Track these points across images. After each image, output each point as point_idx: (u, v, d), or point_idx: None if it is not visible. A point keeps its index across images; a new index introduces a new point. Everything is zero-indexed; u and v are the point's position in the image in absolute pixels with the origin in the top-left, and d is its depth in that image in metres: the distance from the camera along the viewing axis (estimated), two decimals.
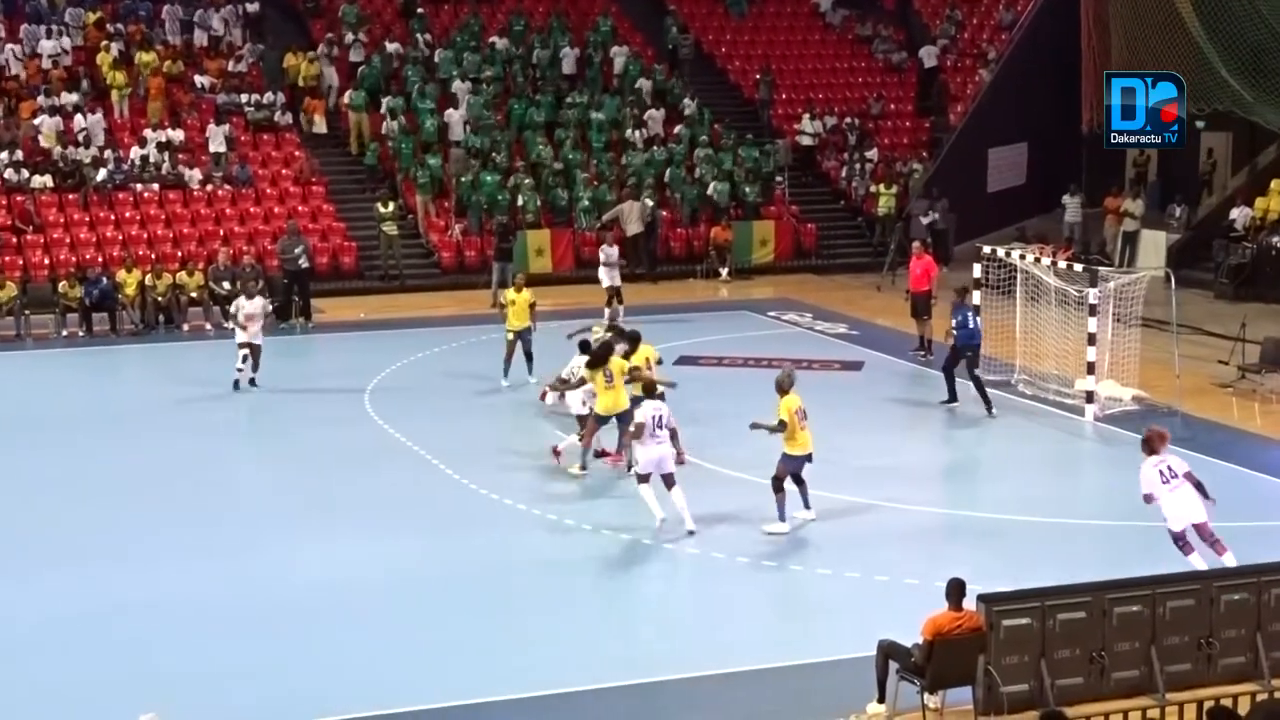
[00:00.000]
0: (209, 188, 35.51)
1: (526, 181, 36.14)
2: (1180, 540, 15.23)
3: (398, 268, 34.98)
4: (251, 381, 25.00)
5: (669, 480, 17.70)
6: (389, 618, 15.44)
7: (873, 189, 38.53)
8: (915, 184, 38.50)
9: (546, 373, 23.80)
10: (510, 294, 25.01)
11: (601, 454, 20.56)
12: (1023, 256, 25.02)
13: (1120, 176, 38.62)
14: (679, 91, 40.70)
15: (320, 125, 38.38)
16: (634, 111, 39.32)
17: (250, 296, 25.65)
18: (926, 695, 12.49)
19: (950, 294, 24.16)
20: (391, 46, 39.95)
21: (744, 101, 42.54)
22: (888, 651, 12.62)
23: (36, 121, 35.64)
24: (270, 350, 25.58)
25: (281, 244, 31.92)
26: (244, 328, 24.83)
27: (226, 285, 30.82)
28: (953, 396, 23.45)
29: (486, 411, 24.19)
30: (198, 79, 38.35)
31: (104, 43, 37.95)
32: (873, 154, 40.07)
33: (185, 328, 30.28)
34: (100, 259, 32.32)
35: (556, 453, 20.59)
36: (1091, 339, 22.71)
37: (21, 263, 32.45)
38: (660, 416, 17.71)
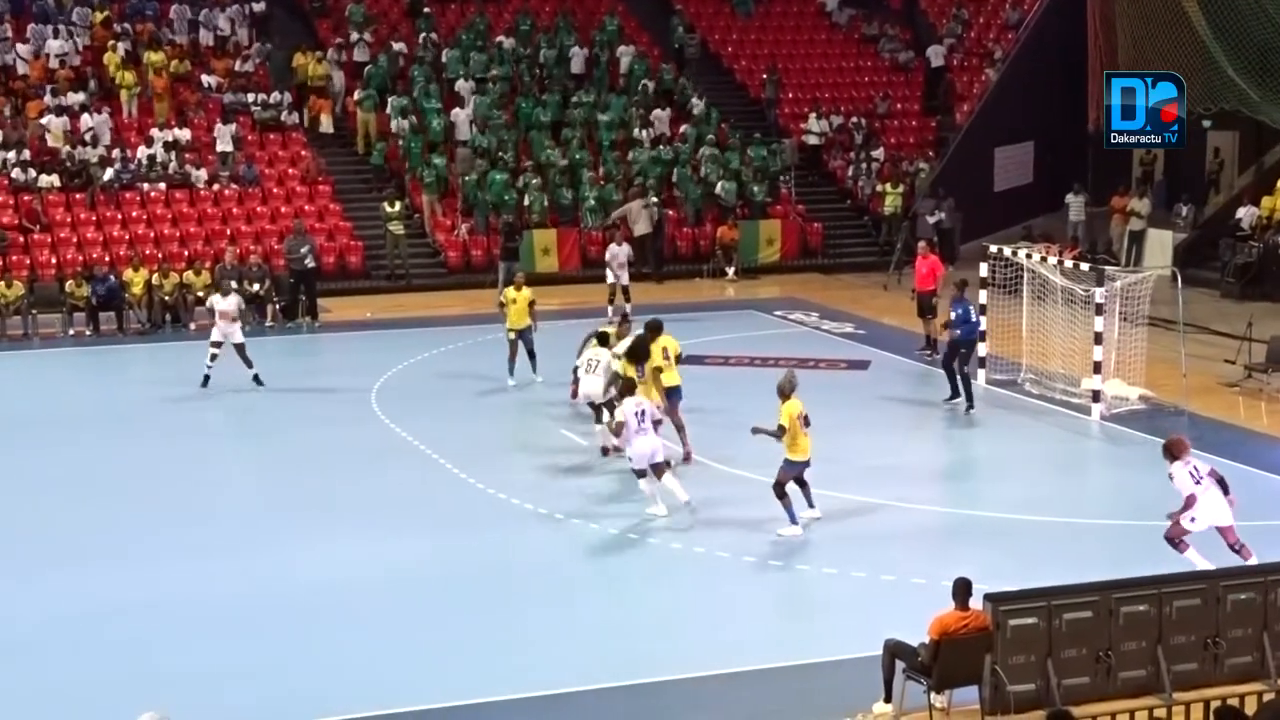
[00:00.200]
0: (215, 187, 35.54)
1: (534, 181, 36.13)
2: (1177, 540, 15.25)
3: (404, 267, 34.99)
4: (255, 379, 24.92)
5: (659, 470, 18.12)
6: (389, 617, 15.42)
7: (879, 188, 38.52)
8: (921, 183, 38.49)
9: (552, 370, 23.82)
10: (510, 293, 24.97)
11: (606, 451, 20.59)
12: (1029, 255, 24.99)
13: (1127, 175, 38.55)
14: (688, 91, 40.69)
15: (327, 125, 38.41)
16: (640, 111, 39.31)
17: (225, 294, 25.69)
18: (933, 695, 12.47)
19: (953, 291, 24.12)
20: (398, 46, 39.97)
21: (750, 101, 42.54)
22: (894, 651, 12.60)
23: (44, 121, 35.72)
24: (276, 349, 25.63)
25: (288, 243, 31.94)
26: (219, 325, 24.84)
27: (233, 284, 30.87)
28: (955, 393, 23.44)
29: (493, 411, 24.18)
30: (204, 78, 38.38)
31: (111, 42, 38.02)
32: (879, 153, 40.05)
33: (192, 327, 30.26)
34: (107, 258, 32.34)
35: (606, 451, 20.56)
36: (1098, 338, 22.67)
37: (28, 262, 32.48)
38: (644, 411, 18.10)
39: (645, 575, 17.10)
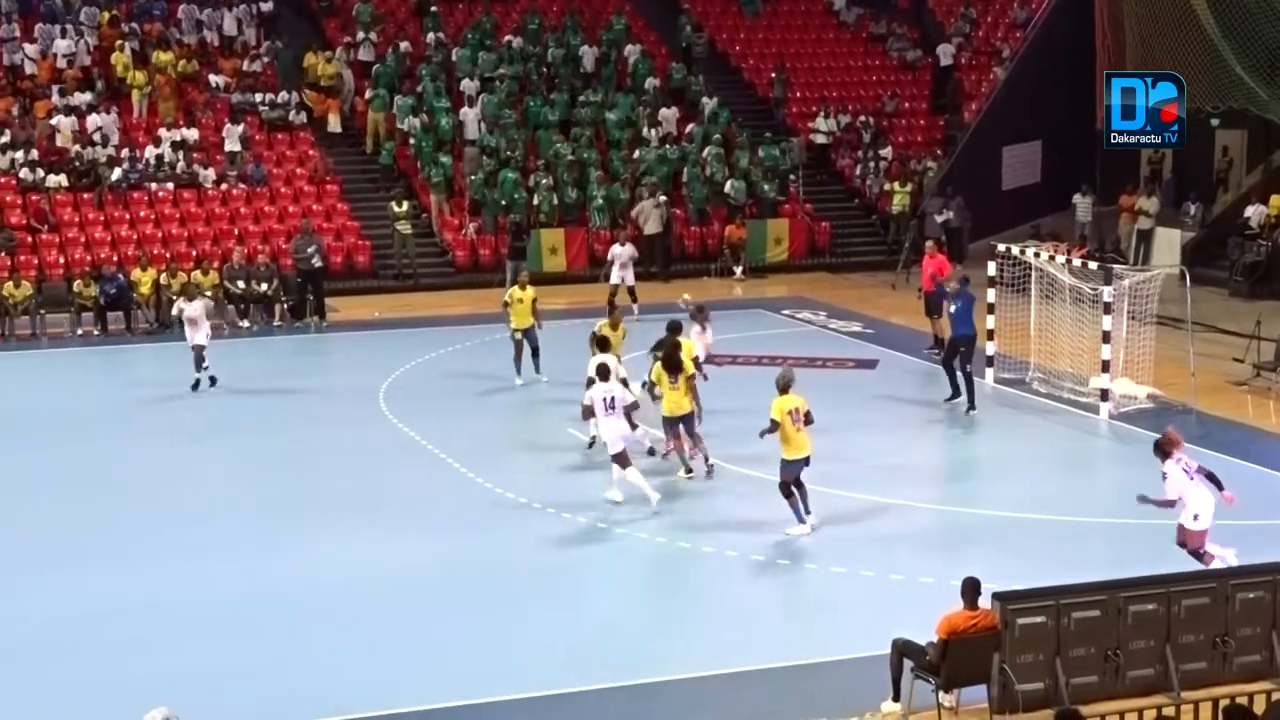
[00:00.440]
0: (224, 187, 35.55)
1: (544, 181, 36.12)
2: (1201, 552, 15.07)
3: (412, 267, 35.00)
4: (211, 380, 24.94)
5: (622, 459, 18.44)
6: (391, 617, 15.41)
7: (887, 187, 38.50)
8: (929, 182, 38.45)
9: (558, 369, 23.82)
10: (515, 292, 24.95)
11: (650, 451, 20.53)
12: (1037, 254, 24.95)
13: (1135, 174, 38.52)
14: (698, 89, 40.66)
15: (335, 124, 38.41)
16: (648, 110, 39.29)
17: (190, 299, 25.71)
18: (941, 694, 12.47)
19: (954, 285, 24.08)
20: (404, 45, 39.98)
21: (758, 100, 42.50)
22: (903, 650, 12.60)
23: (52, 121, 35.75)
24: (284, 349, 25.63)
25: (295, 243, 31.95)
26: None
27: (241, 284, 30.96)
28: (955, 393, 23.40)
29: (500, 410, 24.19)
30: (212, 78, 38.41)
31: (119, 42, 38.03)
32: (887, 152, 40.01)
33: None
34: (115, 258, 32.36)
35: (653, 452, 20.46)
36: (1106, 337, 22.63)
37: (37, 262, 32.51)
38: (611, 398, 18.50)
39: (652, 574, 17.10)
